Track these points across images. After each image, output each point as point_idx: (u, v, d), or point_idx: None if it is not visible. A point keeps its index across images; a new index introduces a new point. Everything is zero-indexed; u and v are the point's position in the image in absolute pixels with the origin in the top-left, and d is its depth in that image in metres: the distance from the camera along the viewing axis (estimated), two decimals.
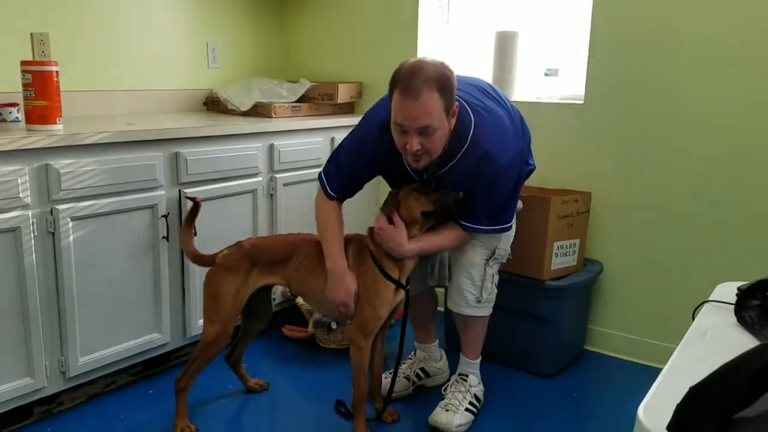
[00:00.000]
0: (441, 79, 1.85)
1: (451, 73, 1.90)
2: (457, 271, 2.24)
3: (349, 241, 2.16)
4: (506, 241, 2.25)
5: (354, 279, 2.09)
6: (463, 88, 2.04)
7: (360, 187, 2.22)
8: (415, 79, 1.82)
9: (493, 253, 2.22)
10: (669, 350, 1.22)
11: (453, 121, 1.95)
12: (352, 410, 2.17)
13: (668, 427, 0.85)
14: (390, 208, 2.08)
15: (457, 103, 1.94)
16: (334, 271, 2.08)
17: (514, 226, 2.26)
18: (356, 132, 2.16)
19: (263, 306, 2.36)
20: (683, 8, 2.53)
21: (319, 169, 2.24)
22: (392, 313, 2.18)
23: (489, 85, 2.20)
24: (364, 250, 2.11)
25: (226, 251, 2.18)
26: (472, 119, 1.99)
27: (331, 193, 2.16)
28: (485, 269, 2.22)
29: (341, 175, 2.16)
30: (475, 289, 2.23)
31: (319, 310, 2.36)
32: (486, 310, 2.29)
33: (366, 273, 2.09)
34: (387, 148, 2.03)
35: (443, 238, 2.16)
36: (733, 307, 1.38)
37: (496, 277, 2.28)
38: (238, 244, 2.19)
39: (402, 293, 2.14)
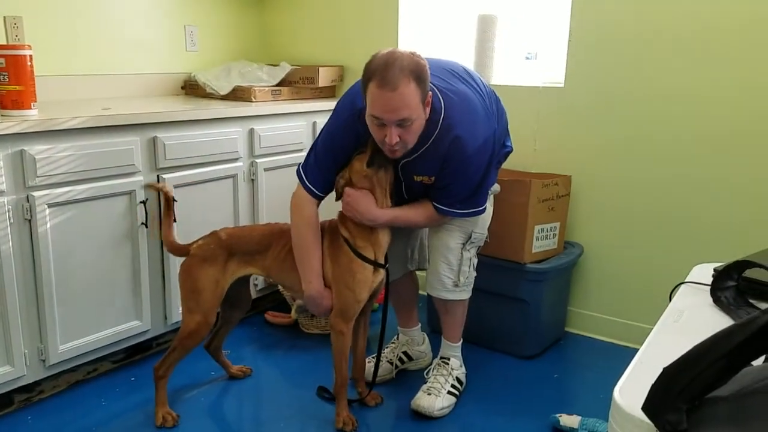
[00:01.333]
0: (417, 69, 1.83)
1: (425, 62, 1.88)
2: (434, 256, 2.25)
3: (323, 231, 2.14)
4: (482, 224, 2.24)
5: (330, 296, 2.11)
6: (434, 72, 2.02)
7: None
8: (391, 69, 1.80)
9: (470, 237, 2.22)
10: (648, 331, 1.23)
11: (428, 110, 1.94)
12: (335, 395, 2.18)
13: (643, 408, 0.86)
14: (344, 179, 2.08)
15: (430, 92, 1.92)
16: (309, 292, 2.10)
17: (490, 208, 2.27)
18: (332, 123, 2.12)
19: (242, 295, 2.36)
20: None
21: (299, 163, 2.19)
22: (373, 296, 2.19)
23: (461, 67, 2.17)
24: (337, 235, 2.11)
25: (201, 241, 2.16)
26: (442, 104, 1.98)
27: (311, 187, 2.11)
28: (462, 253, 2.22)
29: (321, 168, 2.11)
30: (452, 273, 2.23)
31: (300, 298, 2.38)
32: (465, 294, 2.29)
33: (341, 258, 2.08)
34: (361, 131, 2.02)
35: (414, 213, 2.16)
36: (709, 288, 1.40)
37: (475, 261, 2.29)
38: (214, 233, 2.18)
39: (381, 273, 2.14)
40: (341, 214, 2.12)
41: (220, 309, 2.23)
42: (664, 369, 0.82)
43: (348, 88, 2.12)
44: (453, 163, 2.01)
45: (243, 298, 2.38)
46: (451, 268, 2.22)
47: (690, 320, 1.29)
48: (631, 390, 0.97)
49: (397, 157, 2.00)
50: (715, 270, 1.44)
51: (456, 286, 2.25)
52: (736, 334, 0.83)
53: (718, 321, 1.28)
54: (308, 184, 2.12)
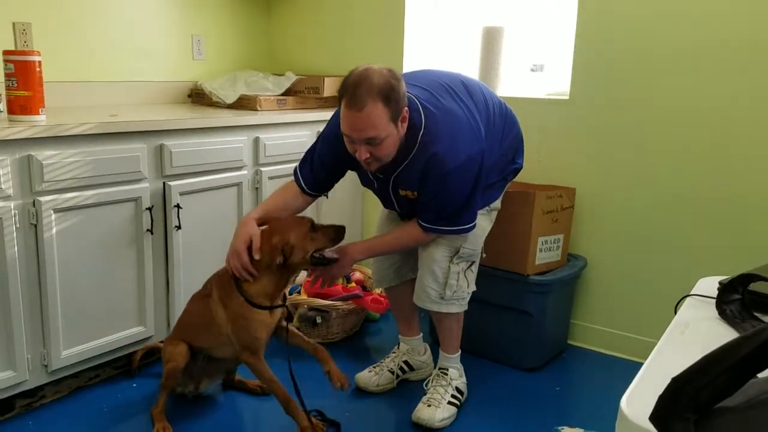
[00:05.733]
0: (385, 89, 1.84)
1: (398, 80, 1.89)
2: (420, 267, 2.24)
3: (211, 279, 2.19)
4: (473, 240, 2.20)
5: (256, 229, 2.06)
6: (423, 86, 2.05)
7: (332, 180, 2.24)
8: (359, 90, 1.83)
9: (458, 252, 2.19)
10: (651, 345, 1.23)
11: (404, 125, 1.96)
12: (288, 414, 2.11)
13: (650, 418, 0.86)
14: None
15: (406, 108, 1.93)
16: (241, 220, 2.13)
17: (488, 225, 2.27)
18: (329, 124, 2.17)
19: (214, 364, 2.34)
20: (670, 4, 2.55)
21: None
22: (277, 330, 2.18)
23: (461, 81, 2.17)
24: (227, 280, 2.10)
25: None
26: (423, 121, 1.99)
27: (301, 181, 2.20)
28: (449, 266, 2.20)
29: (314, 169, 2.19)
30: (437, 285, 2.21)
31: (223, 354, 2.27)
32: (454, 308, 2.26)
33: (232, 302, 2.08)
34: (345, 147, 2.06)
35: (393, 237, 2.21)
36: (714, 301, 1.40)
37: (471, 275, 2.26)
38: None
39: (278, 311, 2.13)
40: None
41: None
42: (673, 379, 0.82)
43: None
44: (431, 179, 2.01)
45: (214, 367, 2.34)
46: (437, 280, 2.20)
47: (696, 333, 1.29)
48: (638, 400, 0.97)
49: (373, 170, 2.04)
50: (720, 283, 1.44)
51: (442, 298, 2.23)
52: (743, 345, 0.83)
53: (724, 334, 1.28)
54: (299, 177, 2.22)
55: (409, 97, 1.97)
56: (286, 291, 2.19)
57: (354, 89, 1.85)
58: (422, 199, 2.08)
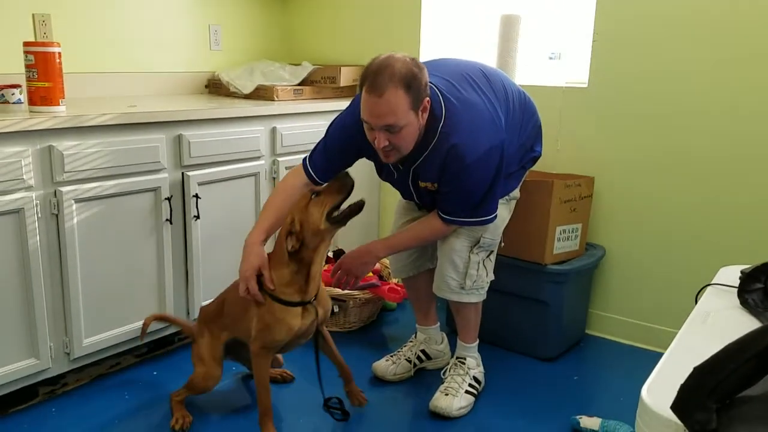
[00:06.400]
0: (407, 77, 1.84)
1: (421, 69, 1.89)
2: (440, 256, 2.24)
3: None
4: (493, 229, 2.20)
5: (262, 254, 1.98)
6: (444, 76, 2.03)
7: (344, 168, 2.15)
8: (380, 76, 1.83)
9: (478, 242, 2.19)
10: (670, 335, 1.23)
11: (425, 115, 1.94)
12: (259, 425, 2.04)
13: (672, 407, 0.86)
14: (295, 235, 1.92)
15: (428, 99, 1.92)
16: (246, 242, 2.01)
17: (506, 214, 2.26)
18: (347, 114, 2.14)
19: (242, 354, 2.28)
20: None
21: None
22: (304, 335, 2.05)
23: (480, 70, 2.15)
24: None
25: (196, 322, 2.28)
26: (443, 111, 1.98)
27: (311, 171, 2.13)
28: (469, 256, 2.19)
29: (327, 157, 2.14)
30: (457, 275, 2.21)
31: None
32: (474, 297, 2.27)
33: (264, 298, 1.98)
34: (360, 135, 2.04)
35: (413, 232, 2.19)
36: (736, 290, 1.39)
37: (489, 265, 2.26)
38: (201, 309, 2.28)
39: (311, 314, 2.00)
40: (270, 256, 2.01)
41: None
42: (696, 368, 0.82)
43: None
44: (452, 171, 2.00)
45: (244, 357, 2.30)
46: (457, 270, 2.20)
47: (717, 322, 1.28)
48: (659, 389, 0.96)
49: (391, 161, 2.02)
50: (742, 272, 1.43)
51: (462, 288, 2.23)
52: (766, 335, 0.83)
53: (746, 323, 1.27)
54: (309, 167, 2.15)
55: (430, 87, 1.96)
56: (321, 284, 2.06)
57: (375, 75, 1.84)
58: (443, 190, 2.07)
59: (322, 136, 2.20)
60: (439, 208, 2.13)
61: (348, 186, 1.93)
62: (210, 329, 2.18)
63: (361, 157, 2.21)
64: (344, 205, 1.95)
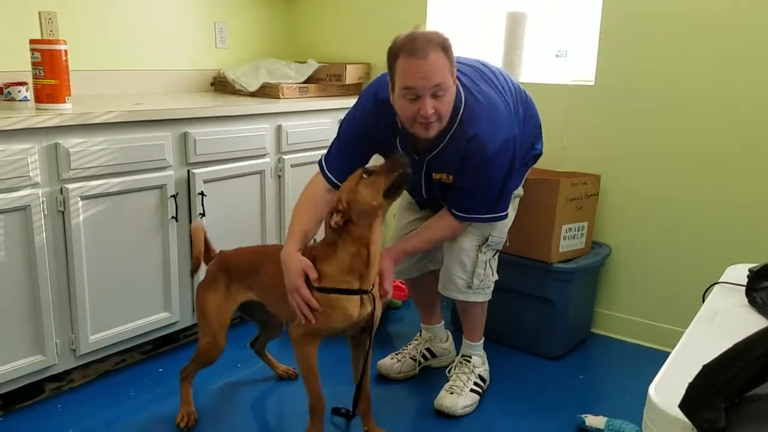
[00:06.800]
0: (443, 41, 1.83)
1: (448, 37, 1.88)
2: (447, 255, 2.22)
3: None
4: (501, 228, 2.20)
5: (303, 258, 1.88)
6: (460, 69, 2.01)
7: (357, 167, 2.08)
8: (418, 41, 1.81)
9: (486, 240, 2.19)
10: (676, 333, 1.23)
11: (455, 84, 1.90)
12: (309, 415, 1.96)
13: (680, 405, 0.85)
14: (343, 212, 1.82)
15: (455, 68, 1.89)
16: (283, 256, 1.91)
17: (512, 212, 2.25)
18: (355, 111, 2.13)
19: (270, 319, 2.27)
20: None
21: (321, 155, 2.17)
22: (365, 327, 1.95)
23: (488, 66, 2.15)
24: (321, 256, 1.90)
25: (211, 262, 2.13)
26: (463, 99, 1.96)
27: (330, 176, 2.08)
28: (477, 255, 2.19)
29: (342, 157, 2.09)
30: (465, 274, 2.20)
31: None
32: (480, 296, 2.26)
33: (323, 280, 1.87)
34: (382, 124, 2.02)
35: (427, 234, 2.15)
36: (744, 288, 1.38)
37: (494, 264, 2.25)
38: (219, 254, 2.13)
39: (369, 305, 1.90)
40: (319, 248, 1.92)
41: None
42: (704, 366, 0.82)
43: (371, 82, 2.12)
44: (472, 163, 1.98)
45: (270, 323, 2.29)
46: (465, 269, 2.20)
47: (725, 320, 1.27)
48: (667, 388, 0.96)
49: (431, 135, 1.92)
50: (750, 271, 1.42)
51: (469, 287, 2.22)
52: None
53: (754, 322, 1.26)
54: (327, 172, 2.09)
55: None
56: (377, 273, 1.91)
57: (413, 42, 1.81)
58: (459, 184, 2.05)
59: (334, 137, 2.16)
60: (452, 205, 2.10)
61: (402, 163, 1.83)
62: (228, 284, 2.05)
63: (374, 153, 2.18)
64: None
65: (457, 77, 1.96)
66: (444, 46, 1.83)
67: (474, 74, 2.06)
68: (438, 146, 2.01)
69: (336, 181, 2.07)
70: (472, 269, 2.20)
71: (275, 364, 2.45)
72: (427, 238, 2.17)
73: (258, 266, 2.02)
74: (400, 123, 2.00)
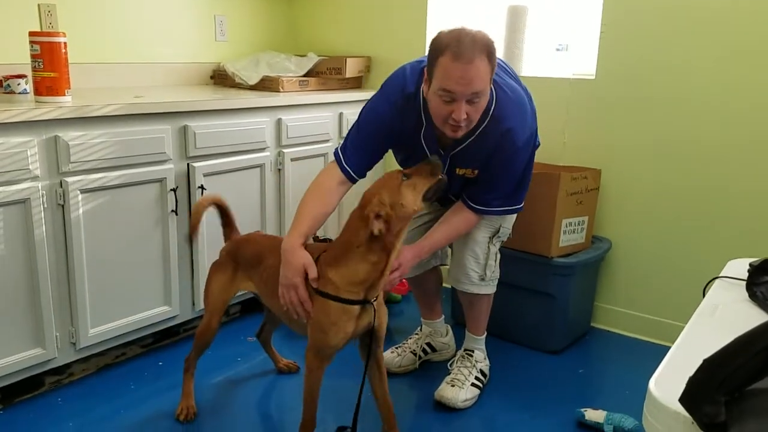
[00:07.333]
0: (489, 45, 1.79)
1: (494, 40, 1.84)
2: (460, 249, 2.23)
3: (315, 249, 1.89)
4: (510, 219, 2.24)
5: (306, 255, 1.81)
6: None
7: (375, 161, 2.10)
8: (464, 43, 1.76)
9: (497, 232, 2.21)
10: (676, 328, 1.23)
11: (490, 89, 1.89)
12: None
13: (680, 400, 0.85)
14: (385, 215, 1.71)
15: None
16: (284, 247, 1.84)
17: None
18: (378, 101, 2.04)
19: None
20: None
21: (336, 147, 2.10)
22: (372, 336, 1.85)
23: (503, 60, 2.16)
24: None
25: (225, 245, 2.13)
26: (494, 94, 1.95)
27: (347, 167, 2.01)
28: (489, 247, 2.21)
29: (360, 148, 2.03)
30: (478, 267, 2.22)
31: (289, 323, 2.01)
32: (490, 288, 2.28)
33: (315, 297, 1.80)
34: (408, 119, 1.99)
35: (446, 232, 2.11)
36: (744, 283, 1.38)
37: (498, 256, 2.27)
38: (232, 239, 2.11)
39: (370, 315, 1.81)
40: (327, 253, 1.83)
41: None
42: (704, 360, 0.81)
43: (397, 69, 2.05)
44: (502, 155, 1.98)
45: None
46: (478, 261, 2.21)
47: (725, 315, 1.27)
48: (667, 382, 0.96)
49: (459, 136, 1.90)
50: (751, 265, 1.42)
51: (482, 280, 2.24)
52: None
53: (754, 316, 1.26)
54: (344, 164, 2.01)
55: None
56: (385, 283, 1.81)
57: (459, 43, 1.75)
58: (484, 177, 2.04)
59: (352, 130, 2.06)
60: (472, 199, 2.09)
61: (439, 168, 1.81)
62: (234, 269, 2.04)
63: (393, 147, 2.14)
64: None
65: None
66: (489, 51, 1.79)
67: (498, 69, 2.02)
68: (466, 141, 1.99)
69: (353, 174, 2.02)
70: (485, 261, 2.21)
71: (278, 357, 2.45)
72: (447, 233, 2.13)
73: (261, 258, 1.97)
74: (425, 118, 1.98)
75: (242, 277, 2.04)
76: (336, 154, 2.06)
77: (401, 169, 1.85)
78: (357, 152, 2.03)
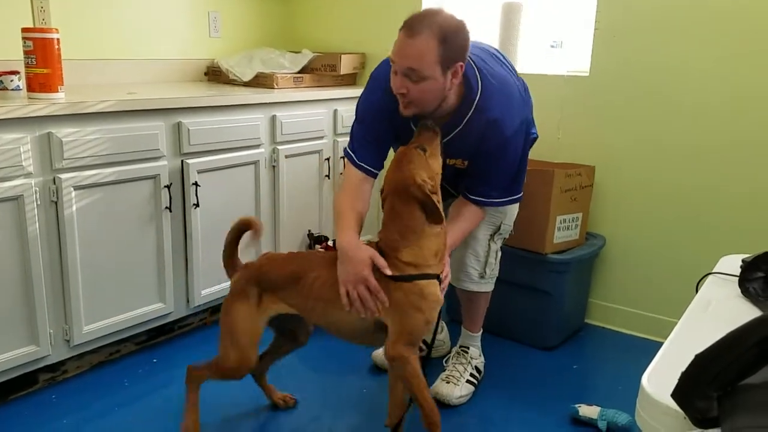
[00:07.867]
0: (446, 30, 1.77)
1: (464, 32, 1.81)
2: (460, 247, 2.22)
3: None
4: (511, 216, 2.23)
5: (367, 247, 1.79)
6: (476, 53, 1.99)
7: (386, 150, 2.08)
8: (419, 21, 1.77)
9: (498, 229, 2.21)
10: (669, 324, 1.23)
11: (454, 81, 1.85)
12: (428, 423, 1.80)
13: (672, 395, 0.86)
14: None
15: (461, 64, 1.84)
16: (342, 245, 1.81)
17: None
18: (369, 91, 2.05)
19: (299, 329, 2.07)
20: None
21: (345, 146, 2.11)
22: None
23: (498, 51, 2.17)
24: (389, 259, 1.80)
25: (236, 275, 1.94)
26: (480, 85, 1.95)
27: (362, 164, 2.01)
28: (489, 245, 2.22)
29: (369, 140, 2.03)
30: (478, 265, 2.22)
31: (352, 339, 1.93)
32: (489, 286, 2.29)
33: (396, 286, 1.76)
34: (393, 107, 1.96)
35: (462, 229, 2.07)
36: (737, 279, 1.38)
37: (499, 253, 2.28)
38: (246, 266, 1.95)
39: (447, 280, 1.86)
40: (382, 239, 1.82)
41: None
42: (697, 355, 0.82)
43: (381, 61, 2.05)
44: (490, 145, 1.97)
45: (299, 333, 2.08)
46: (478, 259, 2.21)
47: (718, 311, 1.28)
48: (660, 377, 0.96)
49: (408, 114, 1.89)
50: (743, 261, 1.42)
51: (482, 277, 2.24)
52: (767, 323, 0.82)
53: (746, 312, 1.27)
54: (358, 162, 2.01)
55: (469, 59, 1.90)
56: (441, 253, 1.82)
57: (415, 18, 1.78)
58: (477, 169, 2.04)
59: (354, 127, 2.07)
60: (469, 191, 2.08)
61: (433, 124, 1.85)
62: (259, 296, 1.87)
63: (394, 134, 2.10)
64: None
65: (471, 59, 1.92)
66: (444, 37, 1.76)
67: (489, 58, 2.05)
68: (454, 130, 1.98)
69: (371, 169, 2.02)
70: (485, 259, 2.21)
71: (271, 390, 2.21)
72: (460, 235, 2.07)
73: (299, 275, 1.86)
74: None
75: (270, 300, 1.87)
76: (347, 154, 2.06)
77: (408, 146, 1.84)
78: (366, 146, 2.03)
